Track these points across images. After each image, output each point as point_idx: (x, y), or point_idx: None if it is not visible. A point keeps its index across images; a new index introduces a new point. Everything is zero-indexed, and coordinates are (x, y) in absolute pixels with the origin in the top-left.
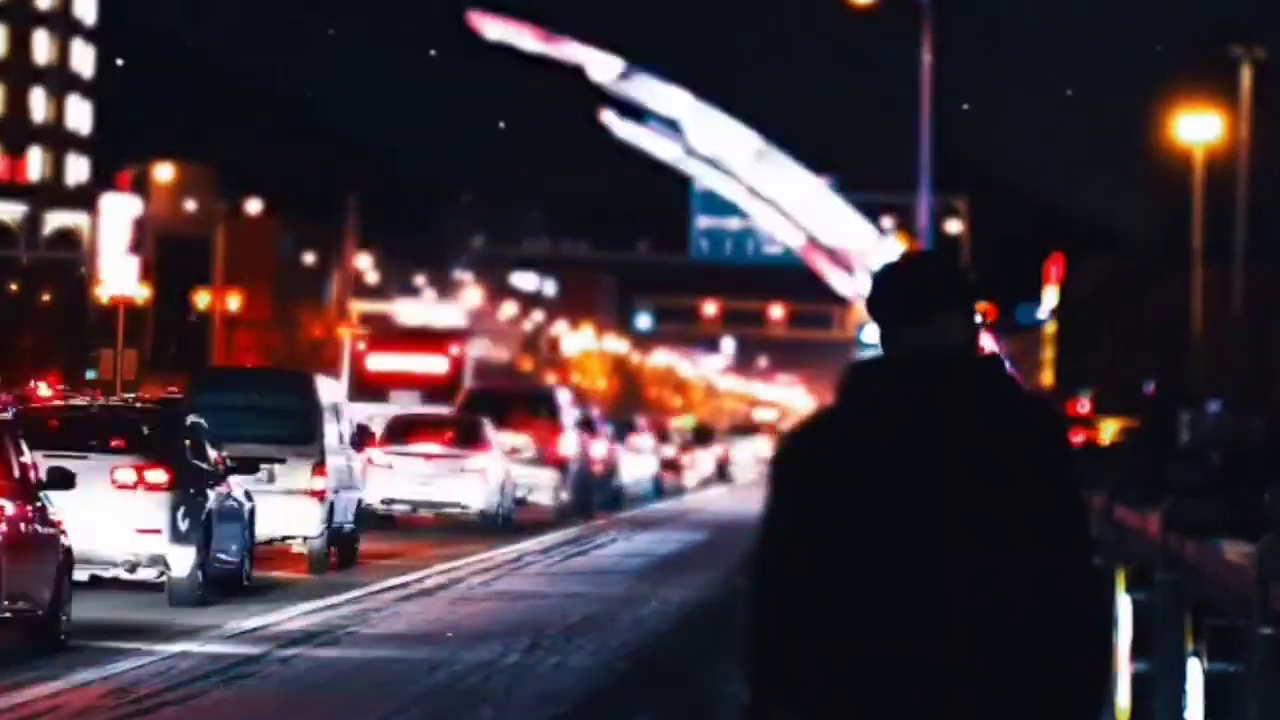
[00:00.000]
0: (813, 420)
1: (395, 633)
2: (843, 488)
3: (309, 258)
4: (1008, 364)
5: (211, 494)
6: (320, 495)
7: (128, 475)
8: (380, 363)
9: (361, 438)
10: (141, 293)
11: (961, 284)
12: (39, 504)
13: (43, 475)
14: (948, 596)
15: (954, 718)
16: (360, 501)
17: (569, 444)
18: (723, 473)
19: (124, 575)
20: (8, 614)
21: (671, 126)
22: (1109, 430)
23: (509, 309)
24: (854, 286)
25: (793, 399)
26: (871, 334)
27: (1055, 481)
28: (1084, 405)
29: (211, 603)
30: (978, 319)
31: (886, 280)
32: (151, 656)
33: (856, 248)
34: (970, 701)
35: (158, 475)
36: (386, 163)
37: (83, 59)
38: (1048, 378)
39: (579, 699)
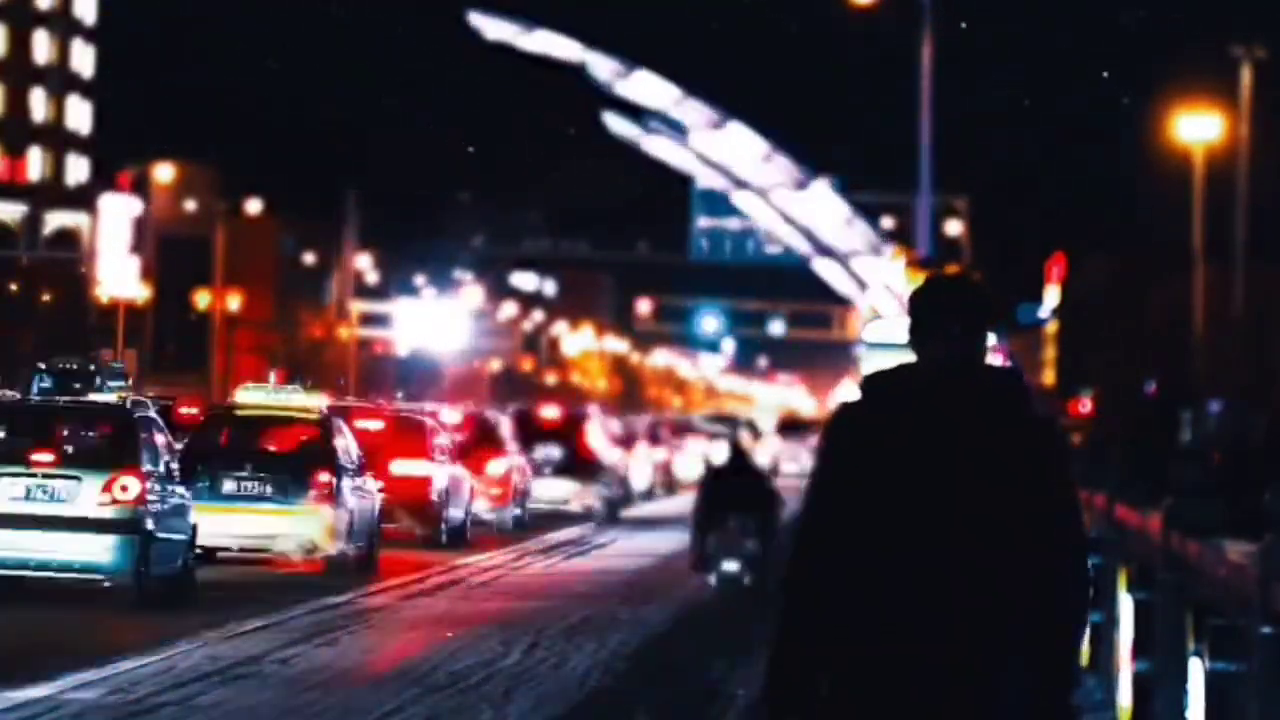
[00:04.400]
0: (844, 411)
1: (395, 633)
2: (859, 485)
3: (309, 258)
4: (1021, 376)
5: None
6: None
7: None
8: None
9: None
10: (141, 293)
11: (977, 305)
12: None
13: None
14: (949, 587)
15: (949, 684)
16: None
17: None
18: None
19: None
20: None
21: (672, 127)
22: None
23: (509, 309)
24: (860, 292)
25: (792, 399)
26: (873, 334)
27: (1047, 486)
28: (1085, 405)
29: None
30: (989, 335)
31: (913, 302)
32: (152, 656)
33: (859, 254)
34: (964, 671)
35: None
36: (386, 163)
37: (83, 59)
38: (1049, 377)
39: (579, 699)
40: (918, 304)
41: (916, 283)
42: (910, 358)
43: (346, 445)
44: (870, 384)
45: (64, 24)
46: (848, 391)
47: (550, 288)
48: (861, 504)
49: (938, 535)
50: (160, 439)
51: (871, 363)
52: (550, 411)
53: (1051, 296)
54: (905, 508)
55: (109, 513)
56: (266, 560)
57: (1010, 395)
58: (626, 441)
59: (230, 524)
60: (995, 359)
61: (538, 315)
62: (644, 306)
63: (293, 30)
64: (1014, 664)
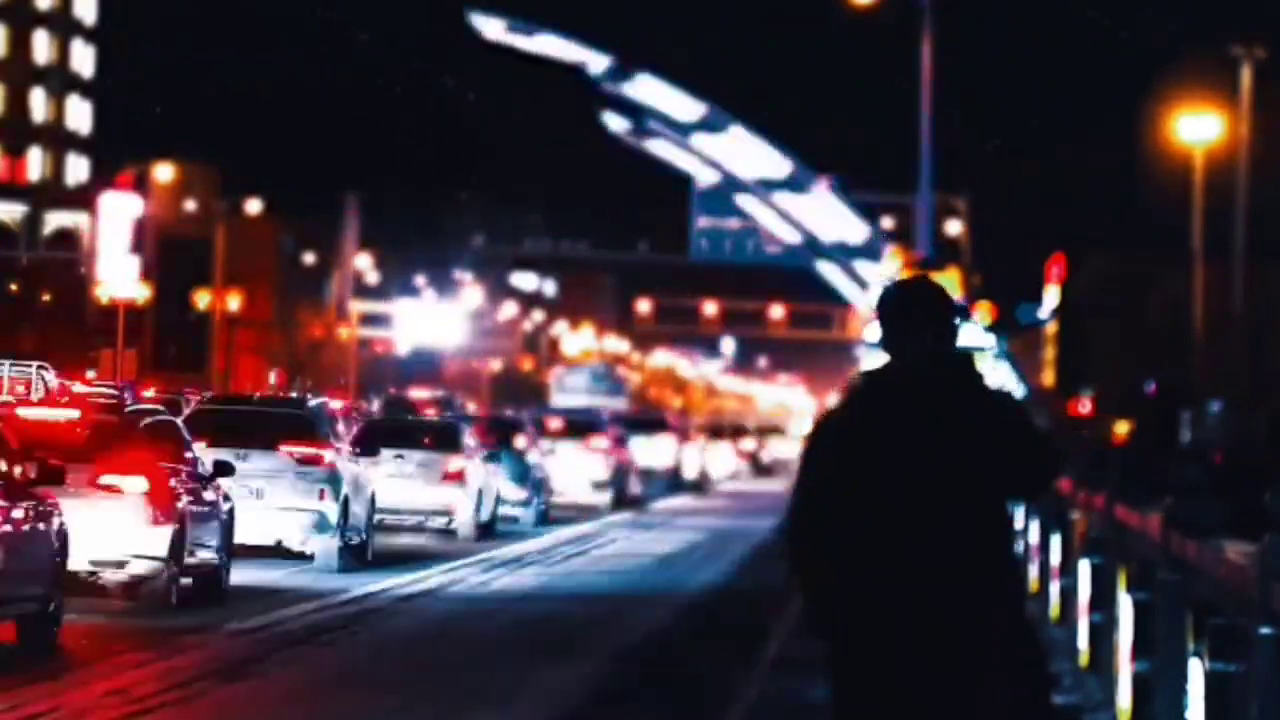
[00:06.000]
0: (826, 415)
1: (396, 633)
2: (841, 465)
3: (309, 258)
4: (972, 359)
5: None
6: None
7: None
8: None
9: None
10: (141, 293)
11: (934, 304)
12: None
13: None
14: (919, 538)
15: (925, 617)
16: None
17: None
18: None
19: None
20: None
21: (671, 126)
22: (1120, 429)
23: (509, 309)
24: (859, 292)
25: (792, 399)
26: (874, 334)
27: (1017, 439)
28: (1085, 405)
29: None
30: (955, 327)
31: (880, 304)
32: (151, 656)
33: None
34: (933, 607)
35: None
36: (387, 162)
37: (83, 59)
38: (1048, 377)
39: (579, 699)
40: (886, 308)
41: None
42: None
43: None
44: (852, 386)
45: (64, 24)
46: (825, 393)
47: (550, 288)
48: (855, 473)
49: (924, 488)
50: None
51: (872, 362)
52: None
53: (1051, 296)
54: (895, 472)
55: None
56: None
57: (969, 379)
58: None
59: None
60: (988, 360)
61: (538, 315)
62: (644, 306)
63: (293, 30)
64: (997, 596)
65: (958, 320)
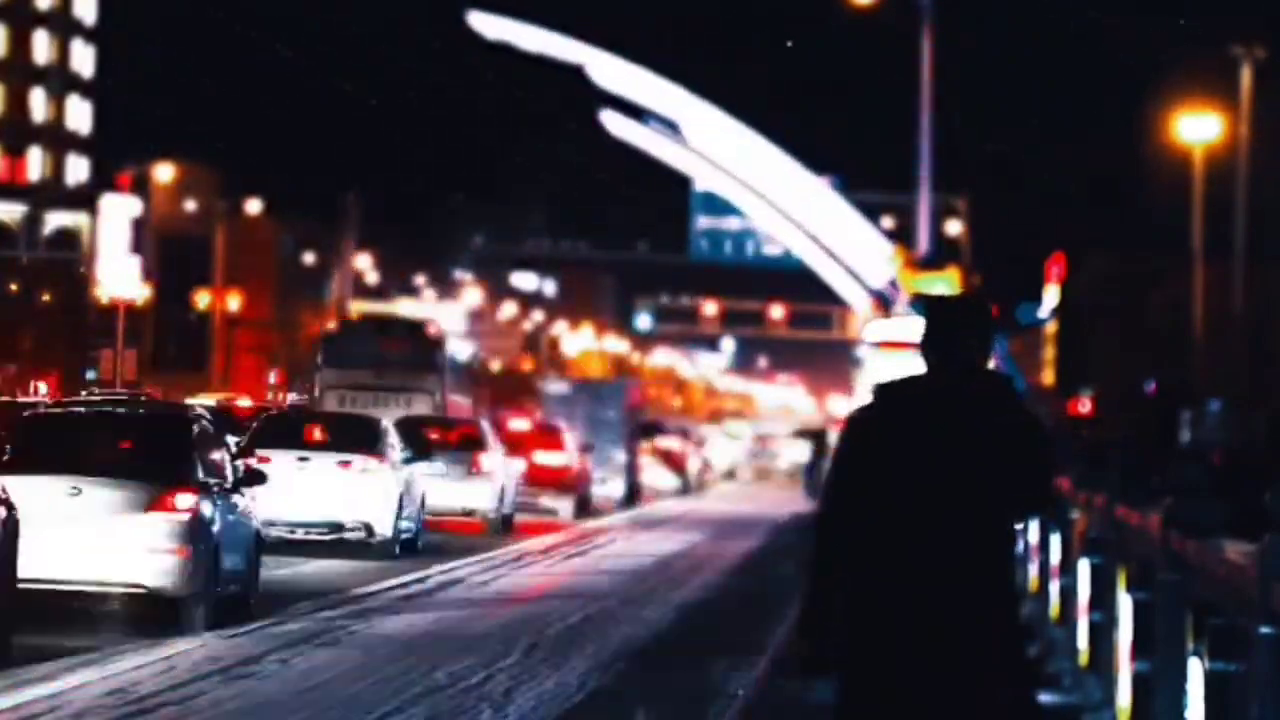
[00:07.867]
0: (856, 414)
1: (396, 632)
2: (871, 462)
3: (309, 258)
4: (1012, 380)
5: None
6: None
7: None
8: None
9: None
10: (141, 293)
11: (987, 325)
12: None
13: None
14: (921, 540)
15: (932, 612)
16: None
17: None
18: None
19: None
20: None
21: (672, 127)
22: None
23: (509, 309)
24: (859, 293)
25: (792, 399)
26: (875, 334)
27: (1024, 457)
28: (1085, 405)
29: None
30: (991, 343)
31: (933, 315)
32: (151, 656)
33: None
34: (940, 596)
35: None
36: (386, 163)
37: (83, 59)
38: (1049, 377)
39: (579, 699)
40: (936, 319)
41: (918, 284)
42: (916, 360)
43: None
44: (886, 389)
45: (64, 24)
46: (862, 395)
47: (550, 288)
48: (881, 473)
49: (930, 492)
50: None
51: (874, 362)
52: None
53: (1051, 296)
54: (904, 475)
55: None
56: None
57: (1001, 396)
58: None
59: None
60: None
61: (538, 315)
62: (644, 320)
63: (293, 30)
64: (997, 595)
65: (995, 338)
